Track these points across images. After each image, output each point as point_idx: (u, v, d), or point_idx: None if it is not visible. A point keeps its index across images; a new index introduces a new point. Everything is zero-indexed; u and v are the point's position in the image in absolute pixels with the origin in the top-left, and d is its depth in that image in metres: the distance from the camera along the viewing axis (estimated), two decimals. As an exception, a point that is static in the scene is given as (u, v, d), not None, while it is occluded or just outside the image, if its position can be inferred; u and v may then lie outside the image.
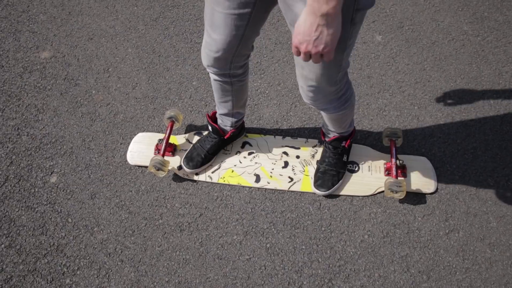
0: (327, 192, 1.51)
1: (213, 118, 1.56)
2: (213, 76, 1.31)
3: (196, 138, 1.68)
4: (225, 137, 1.57)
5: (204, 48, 1.22)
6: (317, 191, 1.52)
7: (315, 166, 1.59)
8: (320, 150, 1.64)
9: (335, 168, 1.52)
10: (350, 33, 0.94)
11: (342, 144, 1.50)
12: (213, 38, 1.14)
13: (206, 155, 1.58)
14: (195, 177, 1.59)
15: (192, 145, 1.63)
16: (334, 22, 0.78)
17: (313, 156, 1.63)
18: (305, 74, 1.07)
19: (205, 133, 1.65)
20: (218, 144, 1.59)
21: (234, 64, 1.23)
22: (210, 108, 1.79)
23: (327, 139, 1.51)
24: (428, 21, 2.06)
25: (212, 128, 1.55)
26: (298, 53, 0.86)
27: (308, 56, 0.85)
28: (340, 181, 1.53)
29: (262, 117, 1.77)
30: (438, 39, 1.99)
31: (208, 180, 1.59)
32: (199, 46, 2.00)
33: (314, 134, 1.71)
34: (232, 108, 1.45)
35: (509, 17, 2.05)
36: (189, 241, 1.49)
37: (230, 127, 1.54)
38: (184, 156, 1.59)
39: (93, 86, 1.88)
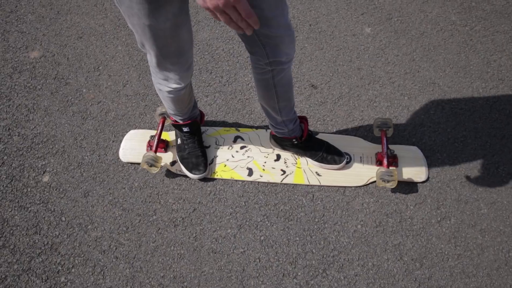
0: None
1: (182, 121, 1.53)
2: (180, 92, 1.29)
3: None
4: (202, 122, 1.62)
5: (170, 81, 1.22)
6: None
7: (307, 159, 1.60)
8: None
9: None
10: None
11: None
12: (183, 58, 1.13)
13: (203, 151, 1.58)
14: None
15: (180, 159, 1.59)
16: None
17: (305, 148, 1.63)
18: (276, 30, 1.07)
19: (179, 142, 1.60)
20: (199, 138, 1.60)
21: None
22: (201, 104, 1.80)
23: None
24: (417, 12, 2.07)
25: (189, 126, 1.52)
26: (217, 17, 0.78)
27: (226, 14, 0.77)
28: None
29: (254, 111, 1.77)
30: (427, 30, 2.00)
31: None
32: (189, 42, 1.99)
33: (305, 126, 1.72)
34: (193, 103, 1.50)
35: (496, 7, 2.07)
36: (183, 236, 1.49)
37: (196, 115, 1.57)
38: (184, 168, 1.57)
39: (83, 85, 1.88)
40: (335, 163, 1.55)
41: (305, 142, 1.52)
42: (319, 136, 1.66)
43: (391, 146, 1.62)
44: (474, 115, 1.72)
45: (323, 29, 2.03)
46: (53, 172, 1.64)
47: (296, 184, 1.58)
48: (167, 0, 0.93)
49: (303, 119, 1.50)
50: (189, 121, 1.50)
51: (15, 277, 1.43)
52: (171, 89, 1.26)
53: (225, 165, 1.61)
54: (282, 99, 1.32)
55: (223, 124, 1.74)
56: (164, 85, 1.26)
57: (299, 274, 1.41)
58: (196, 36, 2.02)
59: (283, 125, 1.44)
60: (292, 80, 1.31)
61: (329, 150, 1.56)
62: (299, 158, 1.62)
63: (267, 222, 1.51)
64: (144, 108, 1.80)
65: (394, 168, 1.56)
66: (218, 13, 0.76)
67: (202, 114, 1.61)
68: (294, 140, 1.50)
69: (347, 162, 1.59)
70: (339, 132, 1.70)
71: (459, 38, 1.96)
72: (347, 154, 1.61)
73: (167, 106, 1.42)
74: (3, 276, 1.43)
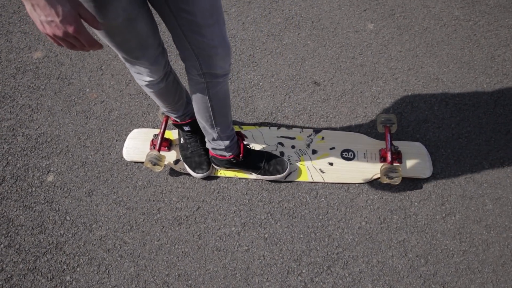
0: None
1: (180, 120, 1.51)
2: (157, 85, 1.25)
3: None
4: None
5: (143, 74, 1.18)
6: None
7: (311, 156, 1.60)
8: (315, 139, 1.64)
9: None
10: None
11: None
12: (147, 52, 1.09)
13: (205, 150, 1.58)
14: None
15: (183, 158, 1.59)
16: None
17: (308, 145, 1.63)
18: (210, 41, 1.03)
19: (181, 141, 1.61)
20: (201, 137, 1.58)
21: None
22: (204, 102, 1.80)
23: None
24: (420, 8, 2.06)
25: (189, 125, 1.51)
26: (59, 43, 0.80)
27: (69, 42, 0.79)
28: None
29: (257, 109, 1.77)
30: (430, 25, 1.99)
31: (205, 173, 1.59)
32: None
33: (308, 123, 1.71)
34: (186, 100, 1.46)
35: (500, 1, 2.05)
36: (187, 234, 1.49)
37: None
38: (187, 168, 1.58)
39: (86, 84, 1.88)
40: (278, 172, 1.53)
41: (244, 158, 1.50)
42: (322, 133, 1.66)
43: (395, 143, 1.61)
44: (479, 111, 1.71)
45: (325, 26, 2.02)
46: (57, 171, 1.65)
47: (300, 181, 1.57)
48: None
49: (238, 135, 1.48)
50: (188, 120, 1.50)
51: (21, 276, 1.44)
52: (147, 82, 1.22)
53: (228, 163, 1.61)
54: (218, 114, 1.29)
55: (226, 122, 1.74)
56: (139, 79, 1.22)
57: (303, 271, 1.41)
58: (198, 35, 2.02)
59: (220, 141, 1.41)
60: (229, 96, 1.27)
61: (270, 160, 1.54)
62: (302, 155, 1.61)
63: (271, 219, 1.51)
64: (147, 107, 1.80)
65: (398, 164, 1.55)
66: (59, 40, 0.78)
67: None
68: (232, 159, 1.49)
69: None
70: (343, 128, 1.70)
71: (463, 33, 1.95)
72: (351, 150, 1.61)
73: (157, 103, 1.40)
74: (9, 276, 1.44)
